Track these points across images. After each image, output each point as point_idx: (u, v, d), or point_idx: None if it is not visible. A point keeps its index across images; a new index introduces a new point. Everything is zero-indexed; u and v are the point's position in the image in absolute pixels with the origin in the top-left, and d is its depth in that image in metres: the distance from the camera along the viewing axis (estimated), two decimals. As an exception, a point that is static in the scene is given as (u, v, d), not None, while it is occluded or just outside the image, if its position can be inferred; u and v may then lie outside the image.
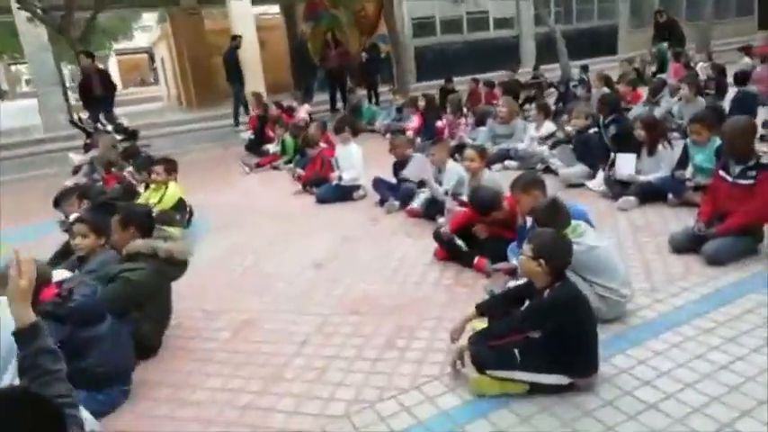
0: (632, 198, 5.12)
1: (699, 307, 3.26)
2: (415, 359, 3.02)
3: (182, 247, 3.35)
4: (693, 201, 4.90)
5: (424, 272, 4.20)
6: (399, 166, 5.96)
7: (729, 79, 10.49)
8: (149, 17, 33.83)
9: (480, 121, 7.66)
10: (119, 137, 8.96)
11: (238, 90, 12.62)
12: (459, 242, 4.21)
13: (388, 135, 10.02)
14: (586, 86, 10.32)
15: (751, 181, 3.71)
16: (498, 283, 3.69)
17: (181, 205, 5.28)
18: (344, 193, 6.35)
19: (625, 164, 5.31)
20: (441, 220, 5.10)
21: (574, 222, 3.22)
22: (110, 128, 8.80)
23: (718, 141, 4.80)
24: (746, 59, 12.11)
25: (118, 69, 51.21)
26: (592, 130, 5.93)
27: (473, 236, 4.28)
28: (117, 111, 11.61)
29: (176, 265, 3.30)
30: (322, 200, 6.38)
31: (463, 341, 2.81)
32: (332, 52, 13.06)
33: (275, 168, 8.52)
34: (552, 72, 16.02)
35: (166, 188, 5.15)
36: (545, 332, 2.57)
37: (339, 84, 13.13)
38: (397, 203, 5.77)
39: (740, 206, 3.77)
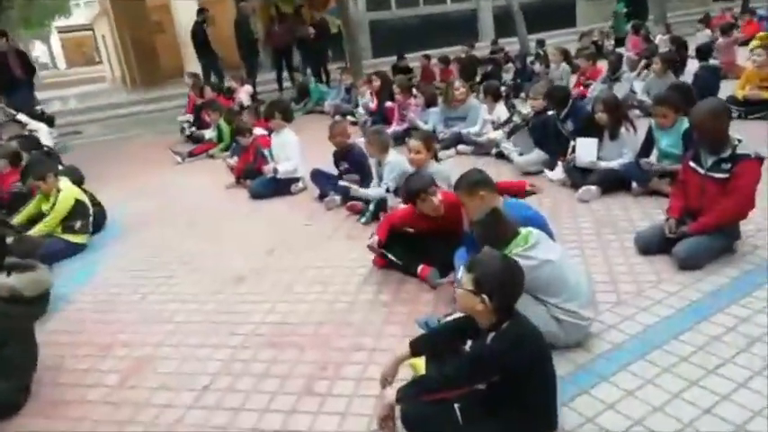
0: (593, 188, 4.64)
1: (673, 326, 2.78)
2: (337, 410, 2.46)
3: (33, 279, 2.67)
4: (659, 189, 4.47)
5: (359, 285, 3.62)
6: (340, 155, 5.33)
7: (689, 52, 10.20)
8: (89, -8, 31.91)
9: (430, 102, 7.06)
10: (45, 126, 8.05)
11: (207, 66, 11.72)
12: (391, 256, 3.64)
13: (337, 117, 9.40)
14: (544, 62, 9.80)
15: (725, 174, 3.23)
16: (435, 314, 3.09)
17: (81, 210, 4.53)
18: (281, 187, 5.70)
19: (586, 149, 4.81)
20: (384, 218, 4.53)
21: (523, 231, 2.69)
22: (21, 116, 7.83)
23: (685, 123, 4.34)
24: (707, 31, 11.83)
25: (61, 48, 48.47)
26: (550, 112, 5.39)
27: (417, 238, 3.72)
28: (58, 93, 10.59)
29: (30, 304, 2.63)
30: (256, 195, 5.71)
31: (395, 389, 2.25)
32: (275, 28, 12.15)
33: (211, 157, 7.78)
34: (512, 46, 15.52)
35: (59, 192, 4.39)
36: (491, 385, 2.04)
37: (285, 62, 12.27)
38: (338, 198, 5.15)
39: (714, 202, 3.30)
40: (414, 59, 12.91)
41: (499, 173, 5.70)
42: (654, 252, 3.52)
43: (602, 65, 8.73)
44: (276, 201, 5.61)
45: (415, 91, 7.57)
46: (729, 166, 3.22)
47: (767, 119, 6.30)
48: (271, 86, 12.98)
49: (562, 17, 20.55)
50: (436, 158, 4.33)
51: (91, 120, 13.26)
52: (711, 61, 7.36)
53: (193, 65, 14.01)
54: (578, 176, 4.83)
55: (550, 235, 3.04)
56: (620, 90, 7.63)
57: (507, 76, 10.48)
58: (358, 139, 7.74)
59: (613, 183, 4.67)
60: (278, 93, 12.56)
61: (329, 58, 12.80)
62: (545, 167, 5.37)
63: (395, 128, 7.48)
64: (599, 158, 4.81)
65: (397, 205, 4.28)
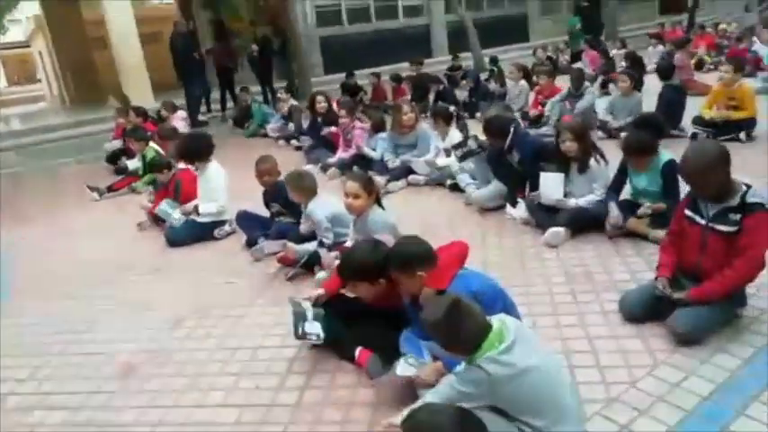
0: (561, 230, 4.01)
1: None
2: None
3: None
4: (637, 230, 3.89)
5: (282, 378, 2.83)
6: (270, 195, 4.56)
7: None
8: (26, 6, 30.24)
9: (378, 127, 6.37)
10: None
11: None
12: (314, 337, 2.88)
13: (281, 142, 8.65)
14: (498, 79, 9.27)
15: (734, 228, 2.62)
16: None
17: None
18: (203, 232, 4.88)
19: (551, 185, 4.18)
20: (320, 274, 3.78)
21: (495, 323, 1.99)
22: None
23: (663, 157, 3.78)
24: (659, 47, 11.63)
25: (2, 65, 45.98)
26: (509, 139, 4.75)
27: (359, 308, 2.98)
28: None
29: None
30: (173, 241, 4.87)
31: None
32: (215, 46, 11.31)
33: (134, 191, 6.87)
34: (466, 61, 15.09)
35: None
36: None
37: (226, 82, 11.42)
38: (267, 246, 4.36)
39: (718, 260, 2.69)
40: (364, 76, 12.27)
41: (455, 209, 5.07)
42: (642, 319, 2.88)
43: (559, 83, 8.26)
44: (197, 249, 4.79)
45: (360, 115, 6.85)
46: (738, 217, 2.60)
47: (737, 140, 5.88)
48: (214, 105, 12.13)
49: (515, 32, 20.39)
50: (379, 203, 3.61)
51: (18, 145, 12.09)
52: (674, 80, 6.90)
53: (131, 87, 13.02)
54: (543, 216, 4.20)
55: (511, 311, 2.39)
56: (580, 107, 7.18)
57: (462, 94, 9.92)
58: (306, 166, 7.08)
59: (584, 223, 4.06)
60: (221, 115, 11.72)
61: (273, 77, 11.95)
62: (506, 202, 4.73)
63: (340, 155, 6.77)
64: (566, 195, 4.20)
65: (331, 262, 3.54)
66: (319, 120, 7.34)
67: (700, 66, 10.26)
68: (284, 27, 11.84)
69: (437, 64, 15.75)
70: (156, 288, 4.14)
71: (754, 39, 10.35)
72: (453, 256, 2.69)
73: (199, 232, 4.85)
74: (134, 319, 3.67)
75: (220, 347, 3.20)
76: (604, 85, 9.58)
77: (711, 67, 10.20)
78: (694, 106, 6.54)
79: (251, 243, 4.49)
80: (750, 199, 2.60)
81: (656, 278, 2.87)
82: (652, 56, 11.46)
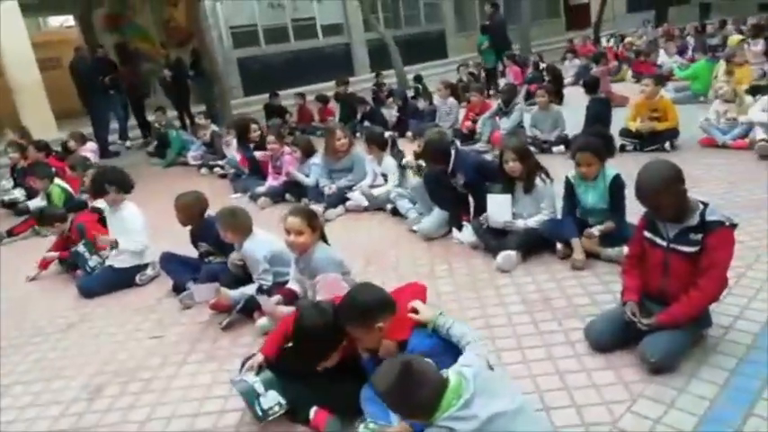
0: (513, 253, 3.87)
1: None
2: None
3: None
4: (589, 250, 3.80)
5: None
6: (196, 234, 4.13)
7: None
8: None
9: (308, 152, 6.05)
10: None
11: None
12: (276, 408, 2.51)
13: (203, 170, 8.14)
14: (426, 97, 9.21)
15: (695, 248, 2.54)
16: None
17: None
18: (122, 278, 4.36)
19: (498, 208, 4.04)
20: (260, 321, 3.40)
21: (452, 378, 1.83)
22: None
23: (610, 172, 3.73)
24: (576, 61, 12.09)
25: None
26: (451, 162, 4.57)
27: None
28: None
29: None
30: (88, 292, 4.31)
31: None
32: (122, 69, 10.60)
33: (38, 234, 6.16)
34: (388, 79, 15.08)
35: None
36: None
37: (138, 107, 10.71)
38: (197, 291, 3.92)
39: (682, 281, 2.60)
40: (287, 96, 11.91)
41: (398, 235, 4.85)
42: (610, 348, 2.75)
43: (490, 100, 8.32)
44: (115, 298, 4.26)
45: (289, 143, 6.49)
46: (699, 236, 2.52)
47: (662, 150, 6.07)
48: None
49: (434, 49, 20.71)
50: (323, 238, 3.31)
51: None
52: (600, 94, 7.08)
53: (29, 116, 11.94)
54: (493, 239, 4.05)
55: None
56: (508, 124, 7.22)
57: (390, 113, 9.79)
58: (232, 197, 6.63)
59: (535, 244, 3.95)
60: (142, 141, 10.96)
61: (189, 100, 11.33)
62: (452, 227, 4.56)
63: (271, 183, 6.39)
64: (514, 216, 4.07)
65: (273, 310, 3.19)
66: (251, 147, 6.91)
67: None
68: (198, 49, 11.25)
69: (360, 82, 15.66)
70: (69, 350, 3.60)
71: (661, 51, 10.97)
72: (410, 299, 2.44)
73: (117, 279, 4.32)
74: (42, 390, 3.14)
75: (151, 418, 2.76)
76: (527, 97, 9.76)
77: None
78: (616, 117, 6.73)
79: (178, 288, 4.04)
80: (709, 217, 2.52)
81: (623, 303, 2.74)
82: (568, 69, 11.91)
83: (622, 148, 6.26)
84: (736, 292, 3.09)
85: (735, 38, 10.95)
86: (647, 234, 2.73)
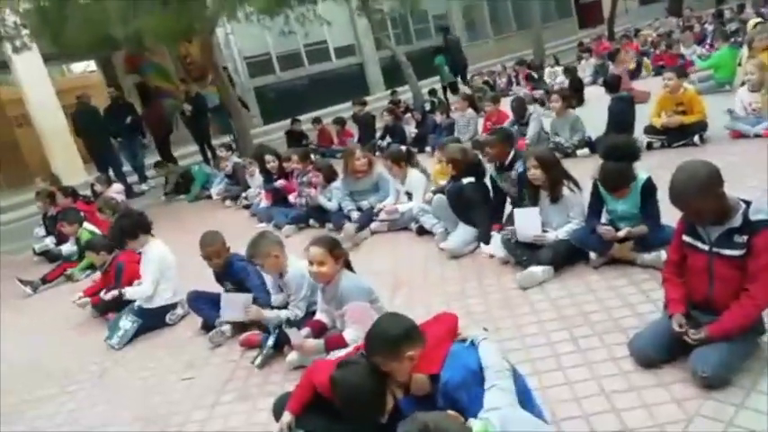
0: (540, 270, 3.70)
1: None
2: None
3: None
4: (623, 257, 3.66)
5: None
6: (221, 275, 4.10)
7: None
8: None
9: (330, 177, 6.00)
10: None
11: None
12: None
13: (227, 202, 8.19)
14: (443, 110, 9.14)
15: (741, 251, 2.39)
16: None
17: None
18: (152, 319, 4.35)
19: (527, 222, 3.91)
20: (291, 356, 3.32)
21: (477, 426, 1.72)
22: None
23: (641, 177, 3.57)
24: (592, 60, 11.89)
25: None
26: (466, 180, 4.46)
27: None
28: None
29: None
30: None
31: None
32: (144, 111, 10.80)
33: (69, 279, 6.24)
34: (404, 95, 15.09)
35: None
36: None
37: (163, 146, 10.90)
38: (228, 328, 3.90)
39: (730, 288, 2.44)
40: (305, 121, 11.99)
41: (426, 254, 4.74)
42: (657, 363, 2.60)
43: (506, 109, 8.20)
44: (146, 340, 4.25)
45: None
46: (745, 238, 2.37)
47: (691, 145, 5.87)
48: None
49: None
50: (348, 266, 3.24)
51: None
52: (622, 93, 6.91)
53: (58, 160, 12.28)
54: (523, 253, 3.92)
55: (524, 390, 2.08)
56: (530, 134, 7.10)
57: (409, 128, 9.75)
58: (257, 226, 6.63)
59: (568, 256, 3.80)
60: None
61: (210, 134, 11.47)
62: (480, 242, 4.45)
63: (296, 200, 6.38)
64: (542, 227, 3.94)
65: (304, 342, 3.12)
66: (275, 177, 6.92)
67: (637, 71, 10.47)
68: (216, 83, 11.42)
69: (376, 101, 15.70)
70: (101, 397, 3.58)
71: (679, 42, 10.71)
72: (442, 331, 2.34)
73: (147, 321, 4.31)
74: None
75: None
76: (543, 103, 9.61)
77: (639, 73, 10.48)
78: (640, 114, 6.53)
79: (208, 326, 4.01)
80: (754, 216, 2.37)
81: (669, 316, 2.58)
82: (585, 69, 11.72)
83: (649, 146, 6.07)
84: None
85: (752, 21, 10.61)
86: (686, 239, 2.59)
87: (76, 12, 8.94)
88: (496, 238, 4.24)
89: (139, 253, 4.43)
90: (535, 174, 3.90)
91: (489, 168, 4.85)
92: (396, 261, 4.78)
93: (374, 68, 19.11)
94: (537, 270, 3.71)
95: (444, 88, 13.93)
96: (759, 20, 11.50)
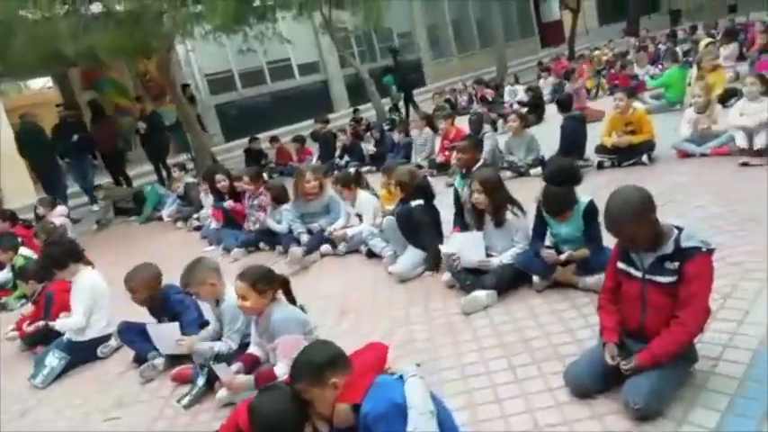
0: (483, 295, 3.62)
1: None
2: None
3: None
4: (566, 280, 3.61)
5: None
6: (156, 309, 3.89)
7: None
8: None
9: (280, 199, 5.85)
10: None
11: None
12: None
13: (179, 223, 7.95)
14: (402, 129, 9.10)
15: (672, 278, 2.34)
16: None
17: None
18: (84, 352, 4.11)
19: (470, 247, 3.84)
20: (221, 393, 3.15)
21: None
22: None
23: (584, 200, 3.55)
24: (550, 78, 12.07)
25: None
26: (414, 202, 4.38)
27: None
28: None
29: None
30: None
31: None
32: (92, 129, 10.46)
33: (3, 308, 5.93)
34: (368, 112, 15.08)
35: None
36: None
37: (114, 165, 10.59)
38: (160, 362, 3.70)
39: (661, 315, 2.40)
40: (265, 139, 11.82)
41: (375, 277, 4.63)
42: (591, 393, 2.53)
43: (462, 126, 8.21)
44: (76, 374, 4.02)
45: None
46: (676, 265, 2.33)
47: (640, 164, 5.93)
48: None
49: (412, 78, 20.71)
50: (288, 294, 3.11)
51: None
52: (574, 112, 6.97)
53: (7, 178, 11.80)
54: (467, 278, 3.84)
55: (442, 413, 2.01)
56: (485, 152, 7.06)
57: (368, 147, 9.70)
58: (205, 250, 6.44)
59: (512, 281, 3.74)
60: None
61: (165, 153, 11.19)
62: (425, 266, 4.37)
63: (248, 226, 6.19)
64: (486, 251, 3.88)
65: (233, 378, 2.95)
66: (225, 197, 6.73)
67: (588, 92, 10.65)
68: (173, 101, 11.20)
69: (340, 118, 15.65)
70: (20, 440, 3.35)
71: (633, 62, 10.95)
72: (370, 361, 2.24)
73: (77, 355, 4.08)
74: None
75: None
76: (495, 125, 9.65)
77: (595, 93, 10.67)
78: (593, 133, 6.59)
79: (140, 360, 3.81)
80: (685, 243, 2.33)
81: (603, 344, 2.52)
82: (544, 87, 11.87)
83: (600, 165, 6.13)
84: (724, 316, 2.90)
85: (704, 41, 10.94)
86: (620, 266, 2.54)
87: (24, 28, 8.67)
88: (453, 236, 4.12)
89: (71, 282, 4.20)
90: (479, 198, 3.85)
91: (454, 176, 4.89)
92: (344, 285, 4.66)
93: (339, 86, 19.07)
94: (480, 295, 3.64)
95: (393, 107, 14.21)
96: (710, 40, 11.89)
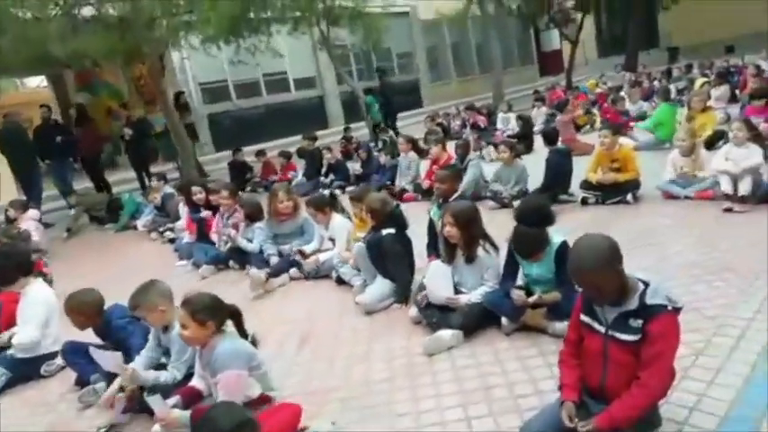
0: (449, 335, 3.45)
1: None
2: None
3: None
4: (535, 325, 3.44)
5: None
6: (99, 333, 3.68)
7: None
8: None
9: (254, 216, 5.67)
10: None
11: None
12: None
13: (153, 234, 7.75)
14: (389, 151, 8.98)
15: (636, 336, 2.19)
16: None
17: None
18: (26, 369, 3.89)
19: (438, 282, 3.67)
20: (155, 428, 2.94)
21: None
22: None
23: (557, 239, 3.39)
24: (543, 108, 12.01)
25: None
26: (386, 231, 4.22)
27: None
28: None
29: None
30: (-15, 389, 3.83)
31: None
32: (76, 133, 10.28)
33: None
34: (362, 130, 15.00)
35: None
36: None
37: (93, 170, 10.39)
38: (102, 386, 3.48)
39: (624, 375, 2.23)
40: (260, 151, 11.66)
41: (341, 307, 4.45)
42: (550, 455, 2.35)
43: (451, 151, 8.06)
44: (14, 394, 3.79)
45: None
46: (640, 323, 2.17)
47: (623, 203, 5.80)
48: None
49: (408, 99, 20.73)
50: (239, 326, 2.92)
51: None
52: (560, 145, 6.87)
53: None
54: (434, 314, 3.67)
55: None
56: (466, 181, 6.92)
57: (354, 167, 9.57)
58: (177, 264, 6.25)
59: (480, 321, 3.56)
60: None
61: (149, 160, 11.02)
62: (394, 299, 4.19)
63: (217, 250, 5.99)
64: (456, 287, 3.71)
65: (169, 413, 2.75)
66: (201, 210, 6.55)
67: (578, 127, 10.58)
68: (162, 109, 11.06)
69: (334, 135, 15.54)
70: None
71: (625, 98, 10.92)
72: (282, 424, 2.06)
73: (19, 371, 3.86)
74: None
75: None
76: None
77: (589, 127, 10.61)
78: (580, 167, 6.48)
79: (83, 383, 3.59)
80: (650, 300, 2.18)
81: (561, 402, 2.35)
82: (537, 117, 11.82)
83: (584, 201, 6.00)
84: (694, 375, 2.73)
85: (699, 81, 10.94)
86: (584, 318, 2.38)
87: (13, 27, 8.55)
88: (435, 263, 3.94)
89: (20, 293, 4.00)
90: (450, 231, 3.69)
91: (431, 205, 4.86)
92: (309, 312, 4.47)
93: (334, 102, 19.02)
94: (445, 335, 3.46)
95: (374, 127, 14.23)
96: (705, 80, 11.90)
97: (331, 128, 17.65)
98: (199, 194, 6.48)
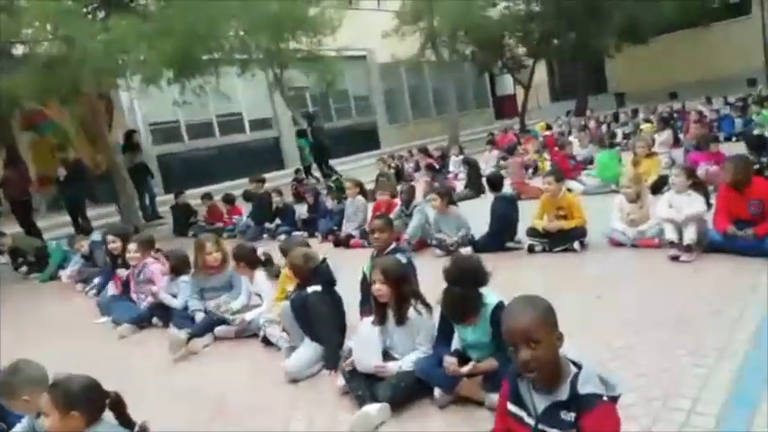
0: (375, 410, 3.07)
1: None
2: None
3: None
4: (471, 396, 3.11)
5: None
6: None
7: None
8: None
9: (179, 269, 5.24)
10: None
11: None
12: None
13: (79, 286, 7.18)
14: (336, 196, 8.69)
15: (568, 431, 1.88)
16: None
17: None
18: None
19: (365, 348, 3.32)
20: None
21: None
22: None
23: (491, 301, 3.09)
24: (495, 152, 12.01)
25: None
26: (311, 288, 3.86)
27: None
28: None
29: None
30: None
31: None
32: (7, 174, 9.68)
33: None
34: (316, 172, 14.72)
35: None
36: None
37: (24, 215, 9.74)
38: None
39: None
40: (206, 194, 11.20)
41: (265, 373, 4.03)
42: None
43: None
44: None
45: (157, 254, 5.66)
46: (573, 416, 1.87)
47: (570, 250, 5.62)
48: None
49: (366, 141, 20.69)
50: (122, 415, 2.48)
51: None
52: (505, 192, 6.71)
53: None
54: (359, 386, 3.29)
55: None
56: (411, 228, 6.68)
57: (302, 211, 9.23)
58: (97, 321, 5.71)
59: (411, 392, 3.21)
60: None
61: (84, 205, 10.43)
62: (323, 364, 3.81)
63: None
64: (386, 355, 3.36)
65: None
66: (119, 261, 6.05)
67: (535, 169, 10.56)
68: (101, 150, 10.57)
69: (288, 176, 15.22)
70: None
71: (575, 143, 11.00)
72: None
73: None
74: None
75: None
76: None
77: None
78: (529, 212, 6.29)
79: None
80: (583, 389, 1.88)
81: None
82: (488, 160, 11.79)
83: (531, 249, 5.81)
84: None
85: (643, 126, 11.14)
86: (511, 408, 2.07)
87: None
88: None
89: None
90: (381, 289, 3.36)
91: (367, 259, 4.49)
92: (228, 378, 4.04)
93: (291, 143, 18.74)
94: (372, 411, 3.08)
95: (305, 169, 14.56)
96: (650, 125, 12.16)
97: (288, 168, 17.34)
98: (113, 243, 5.97)
